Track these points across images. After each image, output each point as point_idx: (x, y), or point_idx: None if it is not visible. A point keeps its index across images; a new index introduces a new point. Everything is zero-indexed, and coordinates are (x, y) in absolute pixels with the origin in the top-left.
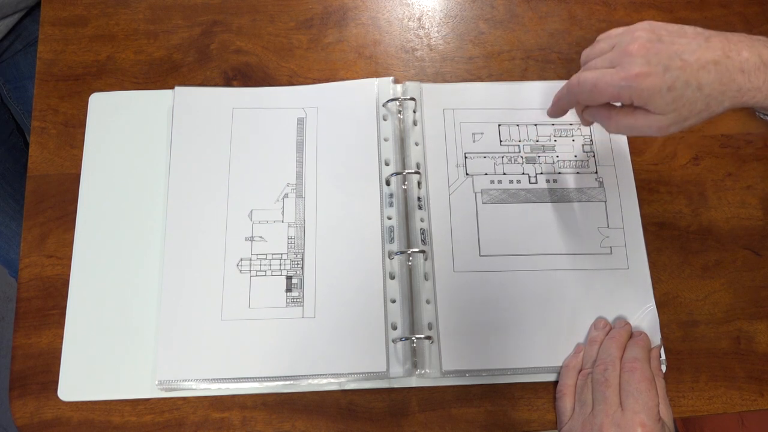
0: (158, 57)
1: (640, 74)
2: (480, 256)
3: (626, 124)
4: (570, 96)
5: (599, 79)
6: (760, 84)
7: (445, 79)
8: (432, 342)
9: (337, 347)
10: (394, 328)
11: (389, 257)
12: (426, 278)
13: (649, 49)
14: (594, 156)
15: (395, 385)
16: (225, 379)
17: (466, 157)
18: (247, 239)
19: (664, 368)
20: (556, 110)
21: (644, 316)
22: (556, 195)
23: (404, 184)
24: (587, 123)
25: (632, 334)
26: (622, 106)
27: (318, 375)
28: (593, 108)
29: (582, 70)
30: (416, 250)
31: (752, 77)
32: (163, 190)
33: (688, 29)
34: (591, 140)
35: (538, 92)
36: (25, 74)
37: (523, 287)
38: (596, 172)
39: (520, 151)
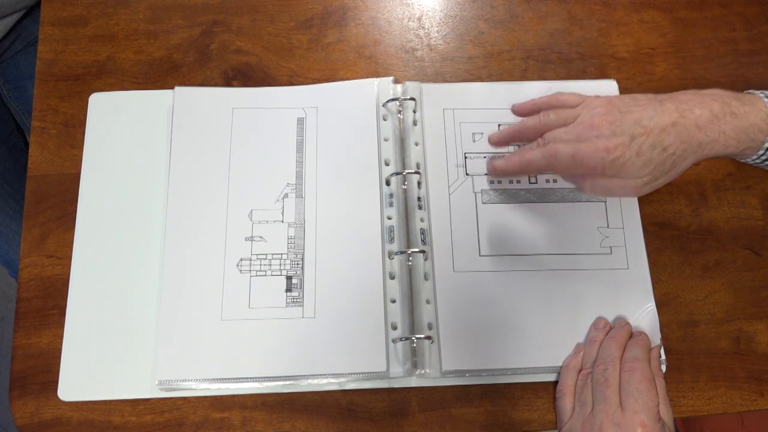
0: (158, 57)
1: (609, 147)
2: (480, 256)
3: (602, 185)
4: (545, 164)
5: (576, 151)
6: (716, 136)
7: (445, 79)
8: (432, 342)
9: (337, 347)
10: (394, 328)
11: (389, 257)
12: (426, 278)
13: (612, 121)
14: None
15: (395, 385)
16: (225, 379)
17: (466, 157)
18: (247, 239)
19: (664, 368)
20: (517, 170)
21: (644, 316)
22: (556, 195)
23: (404, 184)
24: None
25: (632, 334)
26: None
27: (318, 375)
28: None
29: (549, 138)
30: (416, 250)
31: (708, 131)
32: (163, 190)
33: (640, 96)
34: None
35: (538, 92)
36: (25, 74)
37: (523, 287)
38: None
39: None
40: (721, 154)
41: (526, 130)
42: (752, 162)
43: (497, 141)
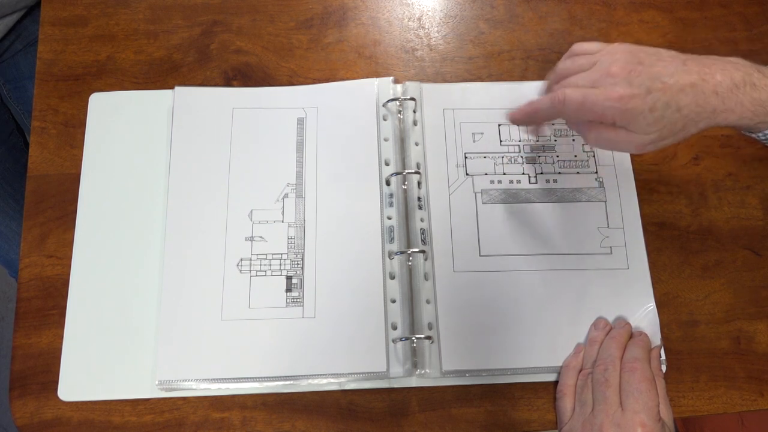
0: (158, 57)
1: (624, 96)
2: (480, 256)
3: (607, 137)
4: (553, 111)
5: (585, 97)
6: (732, 106)
7: (445, 79)
8: (432, 342)
9: (337, 347)
10: (394, 328)
11: (389, 257)
12: (426, 278)
13: (630, 71)
14: (594, 156)
15: (395, 385)
16: (225, 379)
17: (466, 157)
18: (247, 239)
19: (664, 368)
20: (527, 120)
21: (644, 316)
22: (556, 195)
23: (404, 184)
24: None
25: (632, 334)
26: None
27: (318, 375)
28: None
29: (561, 85)
30: (416, 250)
31: (726, 99)
32: (163, 190)
33: (664, 52)
34: None
35: (538, 92)
36: (25, 74)
37: (523, 287)
38: (596, 172)
39: (520, 151)
40: (733, 125)
41: (547, 88)
42: (763, 138)
43: (519, 117)
